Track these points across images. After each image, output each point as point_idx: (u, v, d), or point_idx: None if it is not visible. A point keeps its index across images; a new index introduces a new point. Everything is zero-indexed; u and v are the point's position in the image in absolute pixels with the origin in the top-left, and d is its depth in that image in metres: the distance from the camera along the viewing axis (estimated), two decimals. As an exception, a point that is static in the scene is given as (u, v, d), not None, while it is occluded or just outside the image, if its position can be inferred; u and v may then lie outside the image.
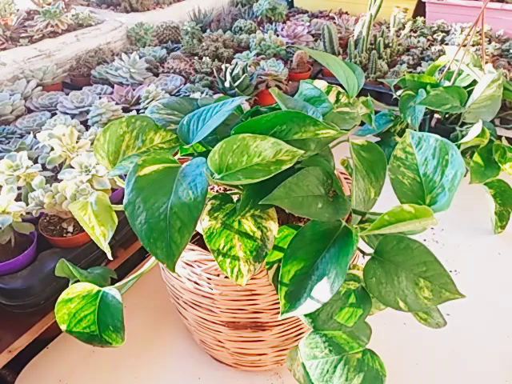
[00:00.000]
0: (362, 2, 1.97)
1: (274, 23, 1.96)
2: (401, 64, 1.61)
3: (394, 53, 1.72)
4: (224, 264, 0.56)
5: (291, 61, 1.63)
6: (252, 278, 0.61)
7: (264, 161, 0.55)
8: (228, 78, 1.34)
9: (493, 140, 1.06)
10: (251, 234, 0.58)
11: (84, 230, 0.63)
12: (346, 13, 2.17)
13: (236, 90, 1.32)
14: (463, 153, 1.10)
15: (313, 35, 1.87)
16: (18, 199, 0.81)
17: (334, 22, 1.94)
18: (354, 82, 0.76)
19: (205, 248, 0.62)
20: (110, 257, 0.58)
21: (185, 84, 1.40)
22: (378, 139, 1.19)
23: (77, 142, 0.91)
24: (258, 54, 1.64)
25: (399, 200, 0.57)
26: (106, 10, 1.97)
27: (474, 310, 0.95)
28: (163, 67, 1.54)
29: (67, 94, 1.27)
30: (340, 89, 0.75)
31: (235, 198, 0.62)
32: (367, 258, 0.57)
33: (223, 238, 0.57)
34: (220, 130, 0.62)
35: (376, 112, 1.03)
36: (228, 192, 0.63)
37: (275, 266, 0.60)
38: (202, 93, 1.29)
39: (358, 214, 0.60)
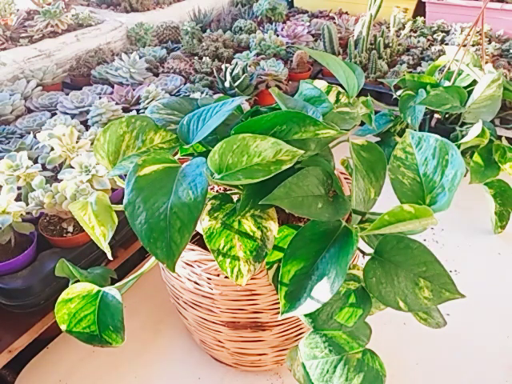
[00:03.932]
0: (362, 2, 1.97)
1: (274, 23, 1.96)
2: (401, 64, 1.61)
3: (394, 53, 1.72)
4: (224, 264, 0.56)
5: (291, 61, 1.63)
6: (252, 278, 0.61)
7: (264, 161, 0.55)
8: (228, 77, 1.34)
9: (493, 140, 1.06)
10: (251, 234, 0.58)
11: (84, 230, 0.63)
12: (346, 13, 2.17)
13: (236, 90, 1.32)
14: (463, 153, 1.10)
15: (313, 35, 1.87)
16: (18, 199, 0.81)
17: (334, 22, 1.94)
18: (354, 81, 0.76)
19: (205, 248, 0.62)
20: (109, 257, 0.58)
21: (185, 84, 1.40)
22: (378, 139, 1.19)
23: (77, 142, 0.91)
24: (258, 54, 1.64)
25: (399, 200, 0.57)
26: (106, 10, 1.97)
27: (474, 310, 0.95)
28: (163, 67, 1.54)
29: (67, 94, 1.27)
30: (340, 89, 0.75)
31: (235, 198, 0.62)
32: (367, 257, 0.57)
33: (223, 238, 0.57)
34: (220, 129, 0.62)
35: (376, 112, 1.02)
36: (228, 192, 0.63)
37: (275, 266, 0.60)
38: (202, 93, 1.29)
39: (358, 214, 0.60)
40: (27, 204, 0.81)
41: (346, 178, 0.79)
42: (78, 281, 0.65)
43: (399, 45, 1.76)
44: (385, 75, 1.56)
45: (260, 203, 0.53)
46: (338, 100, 0.74)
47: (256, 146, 0.55)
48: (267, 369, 0.83)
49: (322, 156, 0.63)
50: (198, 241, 0.73)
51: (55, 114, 1.19)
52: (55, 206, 0.80)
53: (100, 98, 1.24)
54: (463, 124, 1.15)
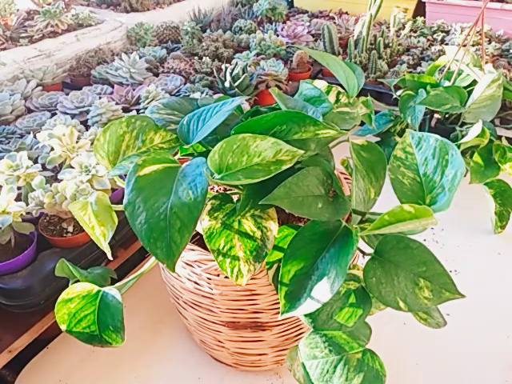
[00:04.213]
0: (362, 2, 1.97)
1: (274, 23, 1.96)
2: (401, 64, 1.61)
3: (394, 53, 1.72)
4: (224, 264, 0.56)
5: (291, 61, 1.63)
6: (252, 278, 0.61)
7: (264, 161, 0.55)
8: (228, 77, 1.34)
9: (493, 140, 1.06)
10: (251, 234, 0.58)
11: (84, 230, 0.63)
12: (346, 13, 2.17)
13: (236, 90, 1.32)
14: (463, 153, 1.10)
15: (313, 35, 1.87)
16: (18, 199, 0.81)
17: (334, 22, 1.94)
18: (354, 82, 0.76)
19: (205, 248, 0.62)
20: (109, 257, 0.58)
21: (185, 84, 1.40)
22: (378, 139, 1.19)
23: (77, 142, 0.91)
24: (258, 54, 1.64)
25: (399, 200, 0.57)
26: (106, 10, 1.97)
27: (474, 310, 0.95)
28: (163, 67, 1.54)
29: (67, 94, 1.27)
30: (340, 89, 0.75)
31: (235, 198, 0.62)
32: (367, 257, 0.57)
33: (223, 238, 0.57)
34: (220, 129, 0.62)
35: (376, 112, 1.02)
36: (228, 192, 0.63)
37: (275, 266, 0.60)
38: (202, 93, 1.29)
39: (358, 214, 0.60)
40: (27, 204, 0.81)
41: (346, 178, 0.79)
42: (78, 281, 0.65)
43: (399, 45, 1.76)
44: (385, 75, 1.56)
45: (260, 203, 0.53)
46: (337, 100, 0.74)
47: (256, 146, 0.55)
48: (267, 369, 0.83)
49: (322, 156, 0.64)
50: (198, 241, 0.73)
51: (55, 113, 1.19)
52: (55, 206, 0.80)
53: (100, 97, 1.24)
54: (463, 124, 1.15)
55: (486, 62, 1.35)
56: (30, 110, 1.26)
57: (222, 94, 1.33)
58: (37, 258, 0.82)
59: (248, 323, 0.70)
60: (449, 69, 1.20)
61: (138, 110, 1.24)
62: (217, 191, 0.72)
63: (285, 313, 0.53)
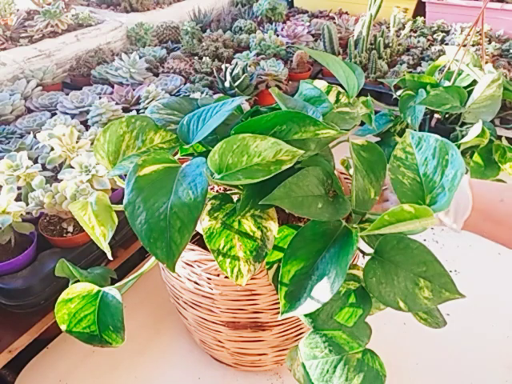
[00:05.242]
0: (362, 2, 1.97)
1: (274, 23, 1.96)
2: (401, 64, 1.61)
3: (394, 53, 1.72)
4: (224, 264, 0.56)
5: (291, 61, 1.63)
6: (252, 278, 0.61)
7: (264, 161, 0.55)
8: (228, 78, 1.34)
9: (493, 140, 1.06)
10: (251, 233, 0.58)
11: (84, 230, 0.63)
12: (346, 13, 2.17)
13: (236, 89, 1.32)
14: (463, 153, 1.09)
15: (313, 35, 1.87)
16: (18, 199, 0.81)
17: (334, 22, 1.94)
18: (354, 82, 0.76)
19: (205, 248, 0.62)
20: (109, 257, 0.58)
21: (185, 84, 1.40)
22: (378, 139, 1.18)
23: (77, 142, 0.91)
24: (258, 54, 1.64)
25: (399, 200, 0.56)
26: (106, 10, 1.97)
27: (474, 309, 0.95)
28: (163, 67, 1.54)
29: (67, 94, 1.27)
30: (340, 89, 0.75)
31: (235, 198, 0.62)
32: (367, 257, 0.57)
33: (223, 238, 0.57)
34: (220, 129, 0.62)
35: (376, 112, 1.02)
36: (228, 192, 0.63)
37: (275, 266, 0.60)
38: (202, 93, 1.29)
39: (358, 214, 0.60)
40: (27, 204, 0.81)
41: (346, 178, 0.79)
42: (77, 281, 0.65)
43: (399, 45, 1.76)
44: (385, 75, 1.56)
45: (260, 203, 0.53)
46: (338, 100, 0.74)
47: (256, 146, 0.55)
48: (267, 369, 0.83)
49: (322, 156, 0.63)
50: (198, 241, 0.73)
51: (55, 114, 1.19)
52: (55, 206, 0.80)
53: (100, 97, 1.24)
54: (463, 124, 1.15)
55: (486, 62, 1.35)
56: (30, 110, 1.26)
57: (222, 94, 1.33)
58: (37, 258, 0.82)
59: (248, 323, 0.70)
60: (449, 69, 1.20)
61: (137, 110, 1.24)
62: (217, 191, 0.72)
63: (285, 313, 0.53)
